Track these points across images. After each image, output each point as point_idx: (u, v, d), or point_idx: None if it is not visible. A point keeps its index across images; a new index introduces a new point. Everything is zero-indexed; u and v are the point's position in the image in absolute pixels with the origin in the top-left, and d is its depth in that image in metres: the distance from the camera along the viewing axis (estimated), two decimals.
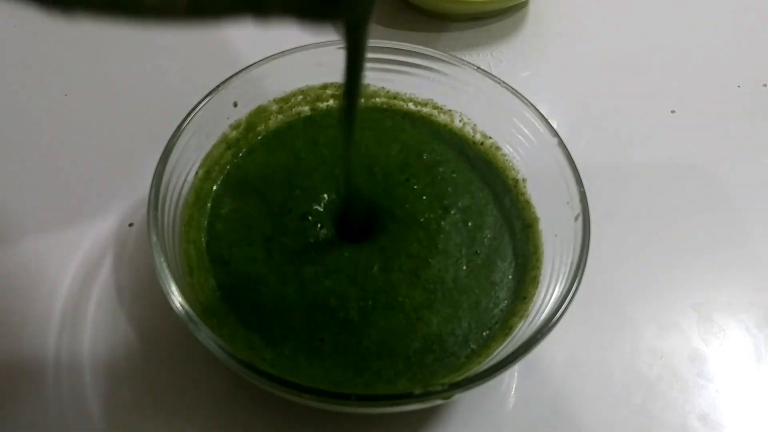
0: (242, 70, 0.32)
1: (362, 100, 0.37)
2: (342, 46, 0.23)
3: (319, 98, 0.36)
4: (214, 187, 0.33)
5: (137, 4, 0.13)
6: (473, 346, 0.29)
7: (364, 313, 0.29)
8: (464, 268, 0.31)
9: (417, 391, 0.24)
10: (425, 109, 0.37)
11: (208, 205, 0.32)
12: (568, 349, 0.33)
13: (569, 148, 0.31)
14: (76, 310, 0.32)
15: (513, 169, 0.34)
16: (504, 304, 0.30)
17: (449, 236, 0.32)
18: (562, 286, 0.28)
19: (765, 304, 0.36)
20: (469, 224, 0.32)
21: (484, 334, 0.29)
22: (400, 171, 0.34)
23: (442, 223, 0.32)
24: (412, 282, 0.30)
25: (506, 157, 0.35)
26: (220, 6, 0.14)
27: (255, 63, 0.33)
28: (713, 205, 0.40)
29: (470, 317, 0.30)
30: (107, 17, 0.13)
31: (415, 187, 0.33)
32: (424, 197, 0.33)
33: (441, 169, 0.34)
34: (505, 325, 0.29)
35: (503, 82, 0.34)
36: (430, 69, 0.35)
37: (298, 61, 0.34)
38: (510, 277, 0.31)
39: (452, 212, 0.33)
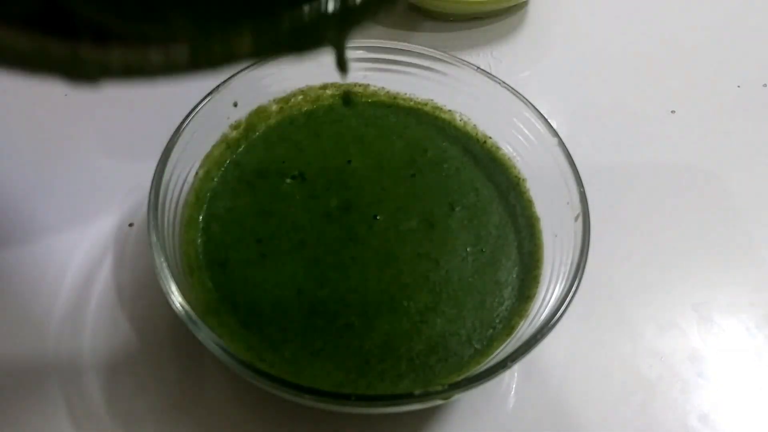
0: (242, 70, 0.32)
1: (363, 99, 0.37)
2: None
3: (319, 98, 0.36)
4: (212, 187, 0.33)
5: (147, 68, 0.15)
6: (477, 346, 0.29)
7: (365, 318, 0.29)
8: (470, 267, 0.31)
9: (416, 392, 0.24)
10: (426, 109, 0.37)
11: (205, 205, 0.32)
12: (568, 349, 0.33)
13: (569, 148, 0.31)
14: (76, 310, 0.32)
15: (514, 167, 0.34)
16: (508, 303, 0.30)
17: (456, 235, 0.32)
18: (562, 286, 0.28)
19: (765, 304, 0.36)
20: (475, 222, 0.32)
21: (488, 333, 0.29)
22: (405, 167, 0.34)
23: (449, 220, 0.32)
24: (419, 285, 0.30)
25: (506, 157, 0.35)
26: (217, 60, 0.17)
27: (254, 63, 0.33)
28: (713, 205, 0.40)
29: (475, 317, 0.30)
30: (124, 82, 0.15)
31: (421, 183, 0.33)
32: (431, 194, 0.33)
33: (446, 166, 0.34)
34: (508, 324, 0.29)
35: (503, 82, 0.34)
36: (430, 69, 0.35)
37: (298, 60, 0.34)
38: (514, 275, 0.31)
39: (458, 209, 0.33)
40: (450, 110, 0.36)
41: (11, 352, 0.31)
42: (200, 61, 0.16)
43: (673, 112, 0.44)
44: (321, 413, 0.29)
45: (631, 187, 0.40)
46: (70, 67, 0.15)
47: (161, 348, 0.31)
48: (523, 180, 0.34)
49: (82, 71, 0.15)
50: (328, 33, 0.18)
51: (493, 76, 0.34)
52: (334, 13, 0.18)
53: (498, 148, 0.35)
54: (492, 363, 0.26)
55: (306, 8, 0.17)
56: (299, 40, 0.18)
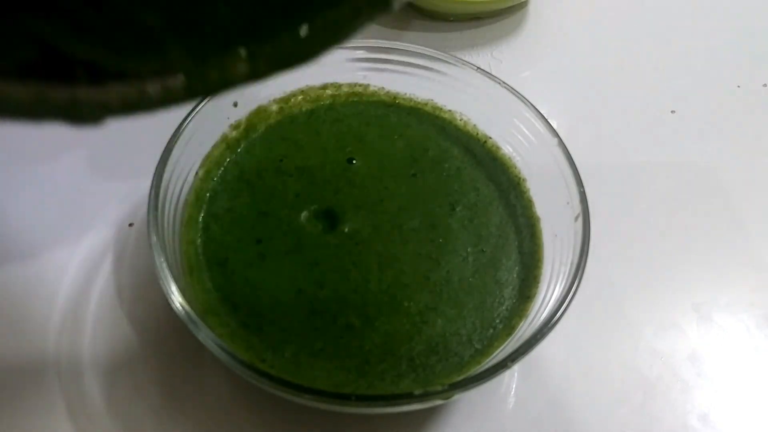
0: None
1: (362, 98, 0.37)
2: None
3: (319, 98, 0.36)
4: (212, 187, 0.33)
5: (146, 102, 0.16)
6: (477, 346, 0.29)
7: (366, 318, 0.29)
8: (470, 267, 0.31)
9: (416, 392, 0.24)
10: (426, 109, 0.37)
11: (205, 205, 0.32)
12: (568, 349, 0.33)
13: (569, 148, 0.31)
14: (77, 310, 0.32)
15: (515, 167, 0.34)
16: (509, 303, 0.30)
17: (457, 234, 0.32)
18: (562, 286, 0.28)
19: (765, 304, 0.36)
20: (475, 221, 0.32)
21: (488, 333, 0.29)
22: (406, 167, 0.34)
23: (450, 220, 0.32)
24: (419, 285, 0.30)
25: (507, 157, 0.35)
26: (214, 86, 0.17)
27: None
28: (713, 205, 0.40)
29: (475, 317, 0.30)
30: (126, 117, 0.16)
31: (422, 183, 0.33)
32: (432, 194, 0.33)
33: (447, 166, 0.34)
34: (508, 324, 0.29)
35: (503, 82, 0.34)
36: (430, 69, 0.35)
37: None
38: (515, 275, 0.31)
39: (458, 209, 0.33)
40: (450, 110, 0.36)
41: (11, 352, 0.31)
42: (197, 88, 0.16)
43: (673, 112, 0.44)
44: (321, 413, 0.29)
45: (631, 187, 0.40)
46: (71, 110, 0.15)
47: (161, 348, 0.31)
48: (524, 180, 0.34)
49: (82, 113, 0.15)
50: (317, 48, 0.19)
51: (493, 76, 0.34)
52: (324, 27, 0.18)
53: (498, 148, 0.35)
54: (492, 363, 0.26)
55: (303, 27, 0.18)
56: (294, 59, 0.18)
